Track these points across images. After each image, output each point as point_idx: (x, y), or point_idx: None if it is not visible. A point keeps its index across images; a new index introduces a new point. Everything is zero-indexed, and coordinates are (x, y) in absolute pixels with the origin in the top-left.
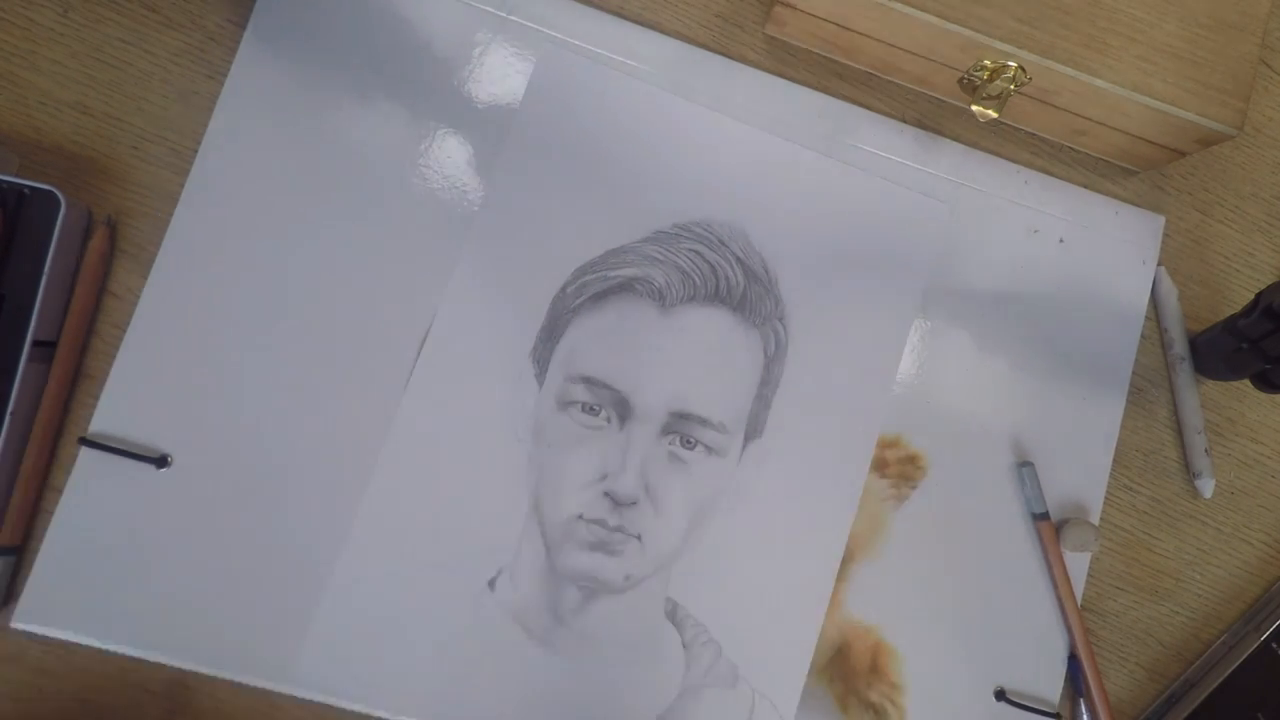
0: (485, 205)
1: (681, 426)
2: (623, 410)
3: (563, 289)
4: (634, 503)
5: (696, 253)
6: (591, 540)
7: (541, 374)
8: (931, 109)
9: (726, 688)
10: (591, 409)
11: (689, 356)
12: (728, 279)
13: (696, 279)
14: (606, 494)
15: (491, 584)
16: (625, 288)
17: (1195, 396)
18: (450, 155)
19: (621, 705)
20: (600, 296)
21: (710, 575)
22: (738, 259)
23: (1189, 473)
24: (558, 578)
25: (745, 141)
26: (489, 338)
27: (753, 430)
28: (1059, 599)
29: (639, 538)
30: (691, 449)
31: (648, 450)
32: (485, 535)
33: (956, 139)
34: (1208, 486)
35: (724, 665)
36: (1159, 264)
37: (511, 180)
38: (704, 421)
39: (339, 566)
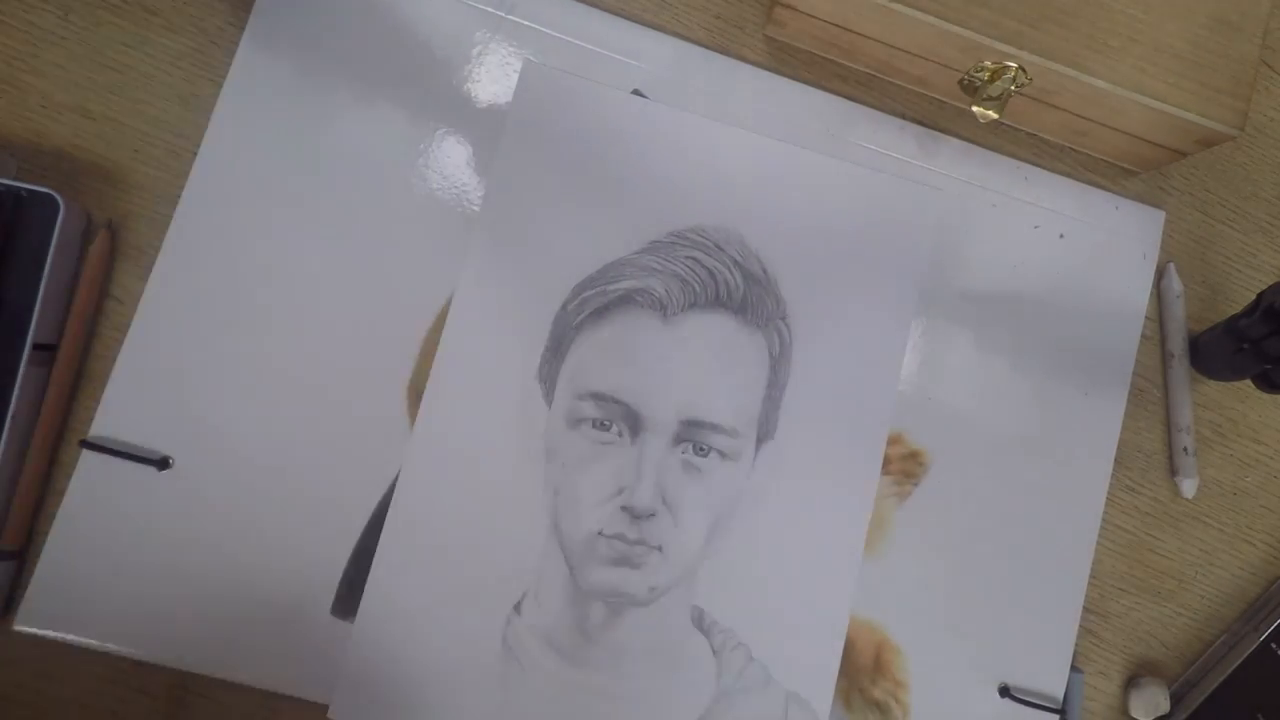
0: (478, 227)
1: (693, 434)
2: (634, 423)
3: (563, 307)
4: (652, 515)
5: (694, 259)
6: (613, 555)
7: (549, 394)
8: (932, 110)
9: (759, 690)
10: (602, 425)
11: (695, 364)
12: (727, 283)
13: (696, 286)
14: (624, 508)
15: (518, 607)
16: (626, 300)
17: (1186, 394)
18: (450, 156)
19: (656, 716)
20: (601, 311)
21: (734, 579)
22: (735, 262)
23: (1170, 471)
24: (583, 595)
25: (732, 143)
26: (494, 362)
27: (764, 432)
28: None
29: (660, 549)
30: (705, 456)
31: (662, 461)
32: (507, 559)
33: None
34: (1189, 486)
35: (755, 668)
36: (1170, 261)
37: (503, 200)
38: (715, 427)
39: (363, 601)
